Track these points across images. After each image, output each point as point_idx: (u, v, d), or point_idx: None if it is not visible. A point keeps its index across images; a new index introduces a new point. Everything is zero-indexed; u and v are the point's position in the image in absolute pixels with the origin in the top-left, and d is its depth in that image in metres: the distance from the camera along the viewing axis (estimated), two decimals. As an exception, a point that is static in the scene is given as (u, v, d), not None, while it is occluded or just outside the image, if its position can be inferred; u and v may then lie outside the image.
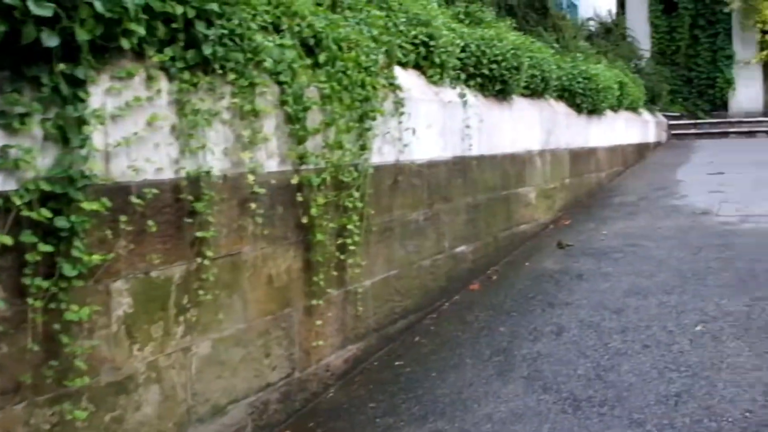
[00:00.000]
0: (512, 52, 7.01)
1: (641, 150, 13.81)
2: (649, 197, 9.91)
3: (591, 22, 15.22)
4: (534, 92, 8.21)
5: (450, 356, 4.93)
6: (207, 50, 3.39)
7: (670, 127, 16.80)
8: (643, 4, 20.57)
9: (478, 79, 6.69)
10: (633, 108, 13.06)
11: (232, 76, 3.60)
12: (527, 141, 7.82)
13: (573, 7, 15.05)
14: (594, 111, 10.27)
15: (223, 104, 3.58)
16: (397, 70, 5.34)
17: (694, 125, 17.61)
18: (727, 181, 10.55)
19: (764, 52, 19.03)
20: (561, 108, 9.19)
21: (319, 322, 4.34)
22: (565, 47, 10.75)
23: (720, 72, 19.82)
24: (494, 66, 6.78)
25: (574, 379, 4.41)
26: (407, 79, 5.52)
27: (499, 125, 7.09)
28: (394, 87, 5.12)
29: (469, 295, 6.20)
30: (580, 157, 9.84)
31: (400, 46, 5.42)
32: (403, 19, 5.55)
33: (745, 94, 19.68)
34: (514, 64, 7.05)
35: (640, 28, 19.07)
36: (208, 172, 3.45)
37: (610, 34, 15.31)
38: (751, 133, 16.40)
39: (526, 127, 7.77)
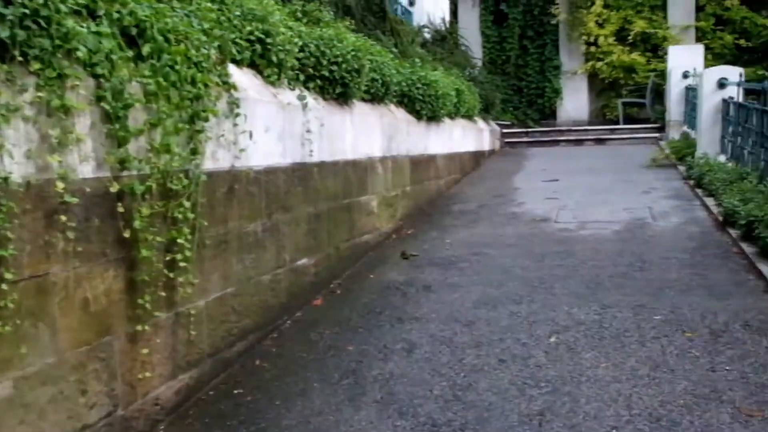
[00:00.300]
0: (353, 53, 6.68)
1: (477, 157, 13.89)
2: (489, 205, 9.87)
3: (426, 29, 15.20)
4: (375, 97, 7.93)
5: (295, 381, 4.50)
6: (3, 33, 2.83)
7: (503, 135, 17.09)
8: (475, 14, 20.93)
9: (318, 81, 6.32)
10: (469, 116, 13.10)
11: (36, 66, 3.04)
12: (369, 147, 7.52)
13: (408, 13, 14.98)
14: (433, 118, 10.14)
15: (25, 98, 3.00)
16: (232, 68, 4.88)
17: (526, 133, 18.03)
18: (562, 188, 10.71)
19: (589, 63, 19.77)
20: (401, 114, 8.97)
21: (145, 351, 3.80)
22: (403, 52, 10.57)
23: (548, 82, 20.45)
24: (335, 68, 6.43)
25: (431, 401, 4.09)
26: (243, 78, 5.06)
27: (341, 130, 6.75)
28: (228, 86, 4.65)
29: (312, 312, 5.80)
30: (421, 164, 9.67)
31: (235, 42, 4.96)
32: (238, 13, 5.09)
33: (572, 104, 20.39)
34: (355, 67, 6.73)
35: (472, 37, 19.33)
36: (5, 179, 2.86)
37: (445, 42, 15.35)
38: (579, 142, 16.94)
39: (367, 132, 7.47)
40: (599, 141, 16.88)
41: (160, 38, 3.89)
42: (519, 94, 20.70)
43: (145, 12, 3.84)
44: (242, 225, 4.89)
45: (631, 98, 19.13)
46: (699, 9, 19.95)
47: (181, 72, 4.00)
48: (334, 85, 6.54)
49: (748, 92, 11.06)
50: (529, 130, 18.61)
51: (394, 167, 8.36)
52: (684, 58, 15.63)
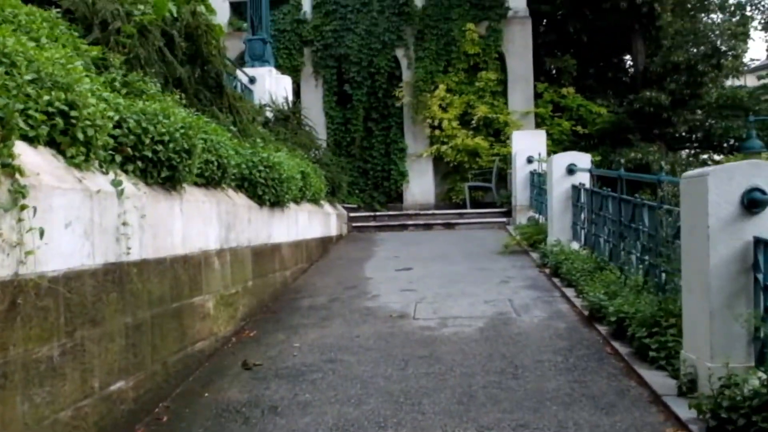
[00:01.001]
0: (182, 131, 5.69)
1: (325, 244, 13.07)
2: (341, 298, 8.96)
3: (268, 108, 14.42)
4: (210, 181, 6.94)
5: None
6: None
7: (351, 219, 16.47)
8: (318, 95, 20.54)
9: (139, 163, 5.28)
10: (315, 200, 12.29)
11: None
12: (204, 239, 6.49)
13: (249, 91, 14.18)
14: (277, 203, 9.22)
15: None
16: (22, 147, 3.82)
17: (374, 217, 17.51)
18: (417, 278, 10.01)
19: (434, 147, 19.65)
20: (241, 200, 7.99)
21: None
22: (244, 131, 9.65)
23: (394, 164, 20.22)
24: (160, 147, 5.43)
25: None
26: (37, 159, 3.99)
27: (168, 221, 5.70)
28: (11, 169, 3.58)
29: (129, 450, 4.65)
30: (264, 255, 8.69)
31: (26, 114, 3.90)
32: (31, 78, 4.03)
33: (418, 187, 20.22)
34: (185, 146, 5.73)
35: (316, 118, 18.77)
36: None
37: (288, 122, 14.60)
38: (428, 226, 16.54)
39: (201, 222, 6.44)
40: (448, 225, 16.53)
41: None
42: (365, 177, 20.32)
43: None
44: (30, 350, 3.74)
45: (477, 182, 19.11)
46: (538, 96, 20.42)
47: (-65, 151, 2.93)
48: (160, 167, 5.54)
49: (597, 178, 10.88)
50: (377, 213, 18.11)
51: (233, 260, 7.34)
52: (528, 143, 15.66)
